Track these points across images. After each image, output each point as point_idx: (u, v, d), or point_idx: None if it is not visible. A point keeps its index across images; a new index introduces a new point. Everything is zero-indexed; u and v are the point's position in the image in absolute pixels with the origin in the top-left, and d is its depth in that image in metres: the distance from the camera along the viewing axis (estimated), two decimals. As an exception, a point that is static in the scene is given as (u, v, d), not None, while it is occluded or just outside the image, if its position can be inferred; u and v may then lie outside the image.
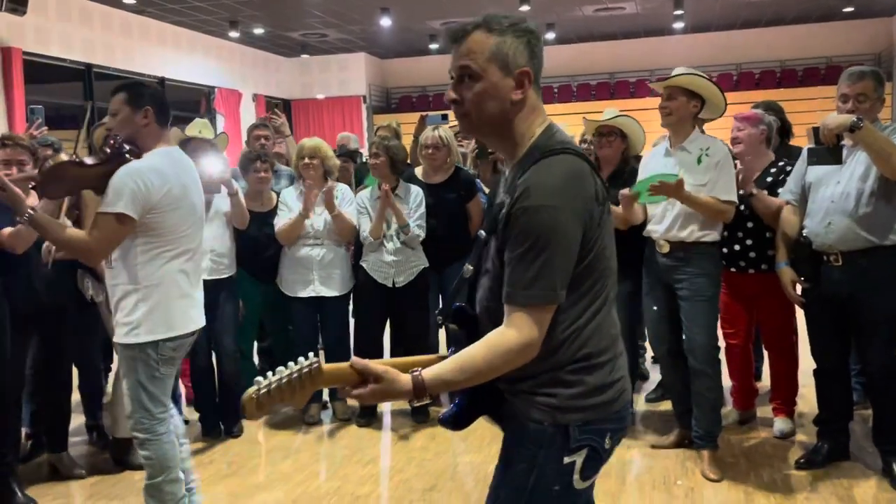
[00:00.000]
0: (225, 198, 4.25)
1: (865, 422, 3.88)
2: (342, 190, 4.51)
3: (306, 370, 1.52)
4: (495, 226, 1.62)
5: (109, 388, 4.39)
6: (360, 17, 12.50)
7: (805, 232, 3.48)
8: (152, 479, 2.82)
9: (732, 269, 3.88)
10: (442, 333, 4.74)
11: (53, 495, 3.65)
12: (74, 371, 4.05)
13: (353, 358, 1.58)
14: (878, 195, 3.24)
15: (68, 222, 3.46)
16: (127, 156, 2.71)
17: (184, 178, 2.82)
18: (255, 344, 5.01)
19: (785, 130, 4.44)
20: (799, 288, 3.59)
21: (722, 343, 3.87)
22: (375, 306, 4.46)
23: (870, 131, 3.16)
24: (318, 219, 4.37)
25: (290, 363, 1.53)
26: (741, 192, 3.71)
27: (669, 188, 3.37)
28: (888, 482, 3.40)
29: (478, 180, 4.78)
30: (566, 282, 1.55)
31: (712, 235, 3.55)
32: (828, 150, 3.32)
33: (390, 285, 4.36)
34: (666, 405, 4.31)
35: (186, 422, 4.48)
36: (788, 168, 3.77)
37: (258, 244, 4.45)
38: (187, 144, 4.25)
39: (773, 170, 3.88)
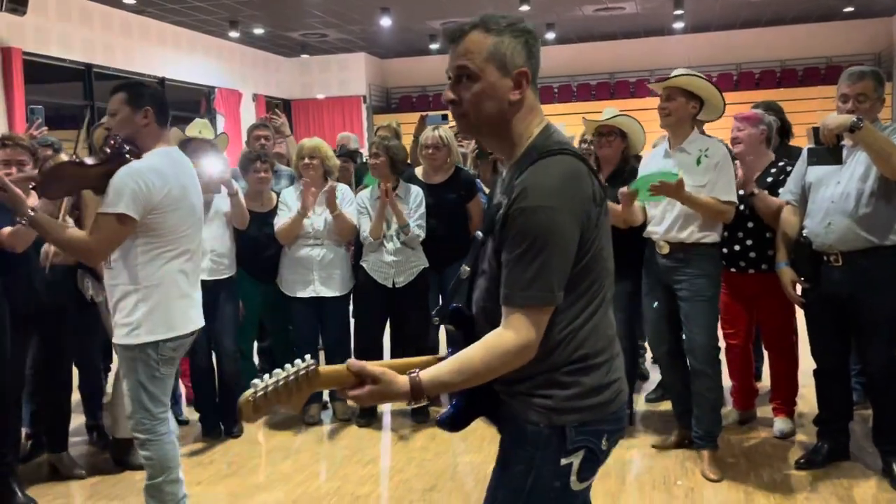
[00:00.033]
0: (225, 198, 4.25)
1: (865, 422, 3.88)
2: (342, 190, 4.51)
3: (303, 373, 1.51)
4: (492, 226, 1.62)
5: (109, 388, 4.39)
6: (360, 17, 12.50)
7: (805, 232, 3.48)
8: (153, 479, 2.82)
9: (732, 270, 3.88)
10: (443, 333, 4.74)
11: (53, 495, 3.65)
12: (74, 371, 4.05)
13: (350, 360, 1.57)
14: (878, 195, 3.24)
15: (70, 221, 3.46)
16: (127, 156, 2.71)
17: (183, 179, 2.82)
18: (255, 344, 5.02)
19: (785, 130, 4.44)
20: (799, 288, 3.59)
21: (722, 343, 3.87)
22: (375, 306, 4.46)
23: (870, 131, 3.16)
24: (318, 219, 4.37)
25: (287, 365, 1.52)
26: (741, 192, 3.72)
27: (670, 188, 3.37)
28: (888, 482, 3.40)
29: (478, 180, 4.78)
30: (563, 283, 1.55)
31: (712, 237, 3.54)
32: (828, 151, 3.32)
33: (390, 285, 4.36)
34: (666, 405, 4.31)
35: (186, 422, 4.51)
36: (788, 168, 3.77)
37: (258, 244, 4.45)
38: (187, 145, 4.25)
39: (773, 170, 3.88)
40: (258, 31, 13.10)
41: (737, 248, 3.86)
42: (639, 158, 4.23)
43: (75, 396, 4.06)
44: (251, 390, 1.47)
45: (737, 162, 3.94)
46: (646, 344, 4.80)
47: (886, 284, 3.28)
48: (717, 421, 3.67)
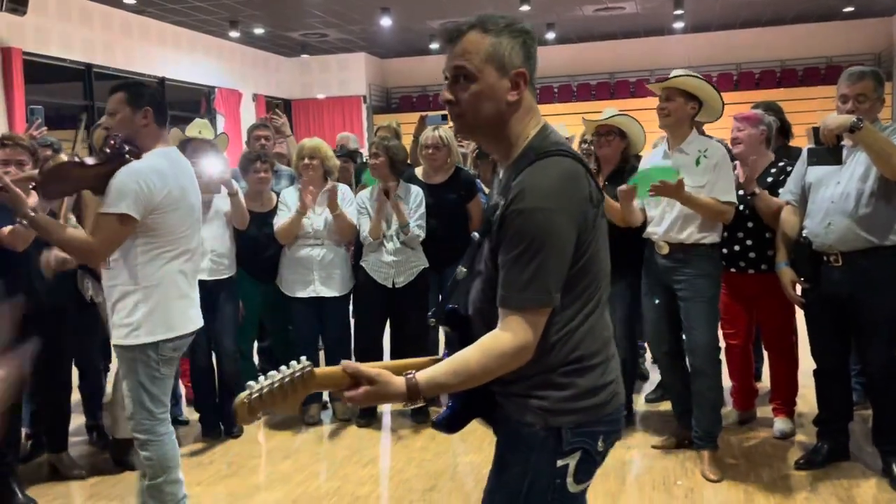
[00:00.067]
0: (225, 198, 4.25)
1: (865, 422, 3.88)
2: (343, 190, 4.51)
3: (298, 374, 1.50)
4: (489, 227, 1.61)
5: (109, 388, 4.39)
6: (361, 17, 12.50)
7: (805, 232, 3.48)
8: (153, 479, 2.82)
9: (732, 270, 3.88)
10: (442, 333, 4.74)
11: (53, 495, 3.65)
12: (74, 371, 4.05)
13: (344, 361, 1.56)
14: (878, 195, 3.24)
15: (73, 219, 3.46)
16: (127, 156, 2.71)
17: (182, 180, 2.82)
18: (255, 344, 5.02)
19: (784, 131, 4.44)
20: (799, 288, 3.59)
21: (722, 343, 3.87)
22: (375, 306, 4.46)
23: (870, 132, 3.16)
24: (318, 219, 4.37)
25: (283, 367, 1.51)
26: (740, 192, 3.72)
27: (670, 189, 3.37)
28: (888, 482, 3.40)
29: (478, 181, 4.78)
30: (560, 285, 1.54)
31: (711, 237, 3.54)
32: (828, 151, 3.32)
33: (390, 286, 4.36)
34: (666, 405, 4.31)
35: (186, 422, 4.51)
36: (788, 168, 3.77)
37: (258, 244, 4.45)
38: (187, 145, 4.25)
39: (773, 170, 3.88)
40: (258, 30, 13.10)
41: (736, 248, 3.86)
42: (639, 158, 4.23)
43: (75, 396, 4.06)
44: (246, 392, 1.47)
45: (736, 162, 3.94)
46: (646, 344, 4.80)
47: (886, 284, 3.28)
48: (717, 421, 3.67)
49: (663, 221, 3.59)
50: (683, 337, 3.71)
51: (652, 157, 3.81)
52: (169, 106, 2.93)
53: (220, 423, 4.38)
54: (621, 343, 4.23)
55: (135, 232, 2.68)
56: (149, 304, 2.73)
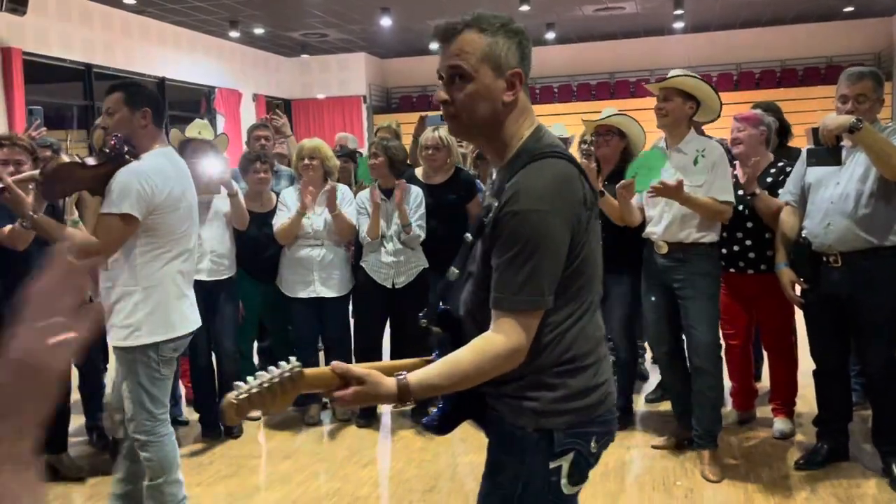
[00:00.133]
0: (225, 199, 4.25)
1: (865, 422, 3.88)
2: (342, 190, 4.51)
3: (287, 375, 1.48)
4: (482, 229, 1.60)
5: (109, 388, 4.39)
6: (361, 17, 12.50)
7: (804, 233, 3.48)
8: (153, 480, 2.82)
9: (732, 270, 3.89)
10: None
11: (53, 496, 3.65)
12: (74, 371, 4.05)
13: (334, 362, 1.55)
14: (878, 196, 3.24)
15: (76, 213, 3.46)
16: (127, 157, 2.71)
17: (182, 180, 2.83)
18: (255, 344, 5.02)
19: (783, 131, 4.44)
20: (798, 289, 3.59)
21: (722, 344, 3.87)
22: (375, 307, 4.46)
23: (869, 132, 3.16)
24: (318, 219, 4.37)
25: (272, 367, 1.50)
26: (739, 192, 3.72)
27: (669, 189, 3.38)
28: (888, 482, 3.40)
29: (478, 181, 4.78)
30: (554, 287, 1.54)
31: (710, 236, 3.55)
32: (827, 151, 3.32)
33: (390, 286, 4.36)
34: (666, 405, 4.30)
35: (186, 422, 4.51)
36: (788, 169, 3.77)
37: (258, 245, 4.45)
38: (187, 145, 4.25)
39: (772, 170, 3.88)
40: (258, 30, 13.10)
41: (736, 248, 3.86)
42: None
43: (75, 396, 4.06)
44: (235, 392, 1.45)
45: (735, 162, 3.95)
46: (646, 344, 4.80)
47: (886, 285, 3.28)
48: (717, 420, 3.67)
49: (662, 221, 3.59)
50: (683, 337, 3.72)
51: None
52: (169, 106, 2.95)
53: (220, 424, 4.38)
54: (621, 343, 4.24)
55: (136, 232, 2.68)
56: (149, 304, 2.73)
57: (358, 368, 1.53)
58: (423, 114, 5.47)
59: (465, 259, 1.69)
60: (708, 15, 13.56)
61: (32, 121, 4.34)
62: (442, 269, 5.01)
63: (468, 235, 1.68)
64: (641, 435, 4.14)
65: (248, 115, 14.01)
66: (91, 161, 2.73)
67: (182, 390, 4.70)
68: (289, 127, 5.74)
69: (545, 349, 1.58)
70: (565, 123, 6.14)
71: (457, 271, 1.70)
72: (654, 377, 4.86)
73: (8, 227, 3.30)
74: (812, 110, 11.69)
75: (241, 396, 1.44)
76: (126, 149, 2.72)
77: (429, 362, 1.61)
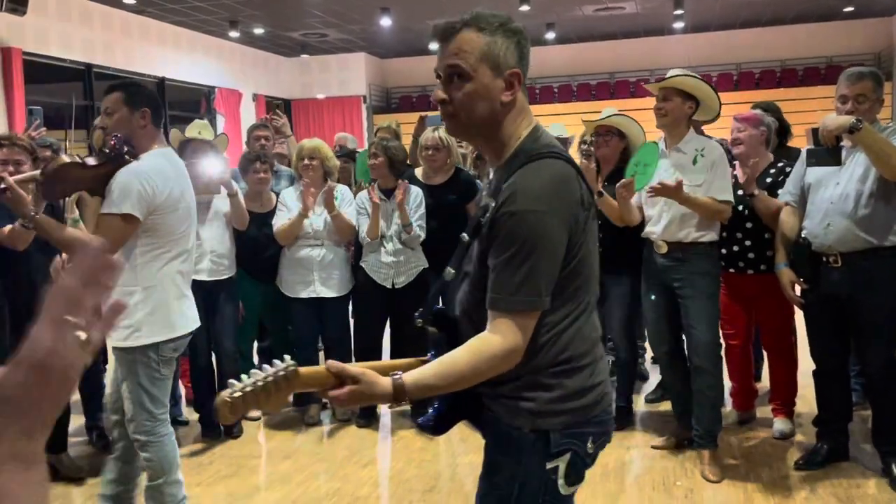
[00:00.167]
0: (225, 199, 4.25)
1: (865, 422, 3.88)
2: (342, 190, 4.51)
3: (282, 374, 1.47)
4: (479, 229, 1.60)
5: (109, 388, 4.39)
6: (360, 17, 12.50)
7: (804, 233, 3.48)
8: (153, 480, 2.82)
9: (731, 270, 3.89)
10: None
11: (53, 496, 3.65)
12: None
13: (329, 361, 1.54)
14: (878, 196, 3.24)
15: (77, 212, 3.46)
16: (126, 157, 2.72)
17: (181, 180, 2.84)
18: (255, 344, 5.02)
19: (783, 131, 4.43)
20: (798, 289, 3.59)
21: (722, 344, 3.87)
22: (375, 307, 4.46)
23: (869, 132, 3.16)
24: (318, 219, 4.37)
25: (266, 366, 1.49)
26: (739, 192, 3.72)
27: (669, 189, 3.38)
28: (887, 482, 3.40)
29: (478, 181, 4.78)
30: (551, 287, 1.54)
31: (710, 236, 3.55)
32: (827, 152, 3.32)
33: (390, 286, 4.36)
34: (666, 405, 4.31)
35: (186, 422, 4.51)
36: (787, 169, 3.77)
37: (258, 245, 4.45)
38: (187, 145, 4.25)
39: (772, 171, 3.88)
40: (258, 30, 13.10)
41: (735, 248, 3.86)
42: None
43: (75, 396, 4.06)
44: (228, 390, 1.44)
45: (735, 163, 3.95)
46: (646, 344, 4.80)
47: (885, 285, 3.28)
48: (717, 420, 3.68)
49: (661, 220, 3.60)
50: (684, 337, 3.72)
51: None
52: (169, 106, 2.96)
53: (219, 424, 4.38)
54: (621, 343, 4.24)
55: (136, 232, 2.69)
56: (149, 304, 2.73)
57: (353, 367, 1.53)
58: (423, 114, 5.47)
59: (462, 259, 1.69)
60: (708, 15, 13.56)
61: (32, 121, 4.34)
62: (442, 269, 5.04)
63: (465, 235, 1.67)
64: (641, 435, 4.14)
65: (248, 115, 14.01)
66: (91, 161, 2.73)
67: (182, 390, 4.71)
68: (289, 127, 5.74)
69: (542, 349, 1.58)
70: (565, 123, 6.14)
71: (453, 271, 1.70)
72: (654, 377, 4.86)
73: (8, 227, 3.30)
74: (812, 110, 11.69)
75: (235, 394, 1.43)
76: (126, 149, 2.72)
77: (424, 362, 1.60)
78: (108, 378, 4.61)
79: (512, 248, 1.51)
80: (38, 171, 3.00)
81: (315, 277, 4.39)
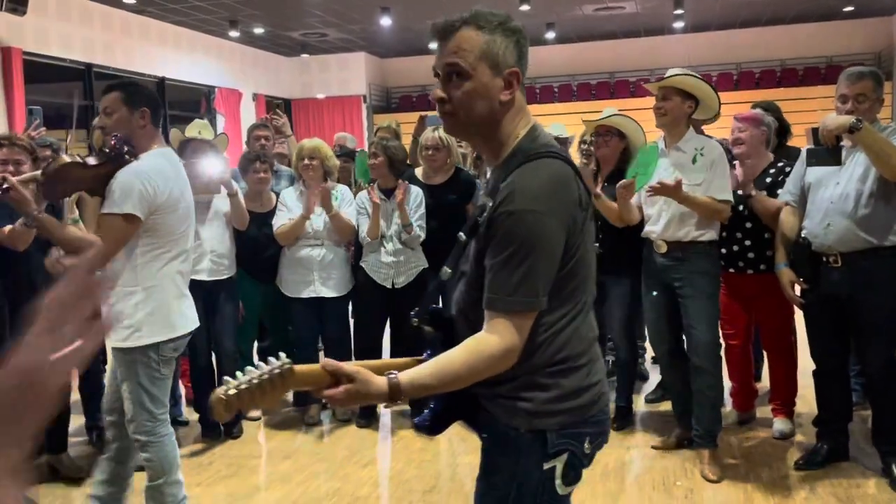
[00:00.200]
0: (225, 198, 4.25)
1: (865, 422, 3.88)
2: (342, 190, 4.51)
3: (277, 371, 1.46)
4: (476, 228, 1.59)
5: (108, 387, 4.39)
6: (361, 17, 12.49)
7: (804, 233, 3.48)
8: (153, 480, 2.82)
9: (731, 270, 3.89)
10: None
11: (53, 496, 3.65)
12: (74, 371, 4.04)
13: (324, 359, 1.53)
14: (878, 196, 3.24)
15: (77, 212, 3.46)
16: (127, 157, 2.71)
17: (180, 180, 2.83)
18: (255, 344, 5.02)
19: (782, 130, 4.43)
20: (798, 289, 3.59)
21: (721, 343, 3.87)
22: (375, 307, 4.46)
23: (869, 132, 3.16)
24: (318, 219, 4.37)
25: (261, 363, 1.48)
26: (739, 192, 3.72)
27: (668, 188, 3.38)
28: (887, 482, 3.40)
29: (478, 181, 4.78)
30: (548, 288, 1.53)
31: (709, 235, 3.55)
32: (827, 151, 3.32)
33: (390, 286, 4.35)
34: (666, 405, 4.31)
35: (186, 422, 4.51)
36: (787, 169, 3.77)
37: (258, 244, 4.45)
38: (187, 145, 4.25)
39: (771, 170, 3.88)
40: (258, 30, 13.10)
41: (735, 248, 3.86)
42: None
43: (75, 396, 4.06)
44: (223, 387, 1.43)
45: (735, 162, 3.94)
46: (646, 344, 4.80)
47: (885, 285, 3.28)
48: (716, 419, 3.68)
49: (661, 220, 3.60)
50: (684, 336, 3.72)
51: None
52: (169, 106, 2.95)
53: (219, 424, 4.37)
54: (621, 343, 4.24)
55: (137, 232, 2.69)
56: (150, 304, 2.73)
57: (348, 366, 1.51)
58: (423, 114, 5.46)
59: (459, 258, 1.68)
60: (708, 15, 13.56)
61: (32, 121, 4.34)
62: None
63: (462, 234, 1.66)
64: (641, 435, 4.14)
65: (248, 114, 14.01)
66: (92, 161, 2.73)
67: (182, 390, 4.70)
68: (289, 126, 5.74)
69: (538, 349, 1.57)
70: (565, 123, 6.14)
71: (449, 271, 1.69)
72: (654, 377, 4.86)
73: (8, 227, 3.30)
74: (812, 110, 11.69)
75: (230, 392, 1.42)
76: (126, 149, 2.72)
77: (420, 362, 1.59)
78: (107, 378, 4.63)
79: (510, 248, 1.50)
80: (38, 172, 3.00)
81: (315, 277, 4.39)
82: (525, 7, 11.33)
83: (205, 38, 13.05)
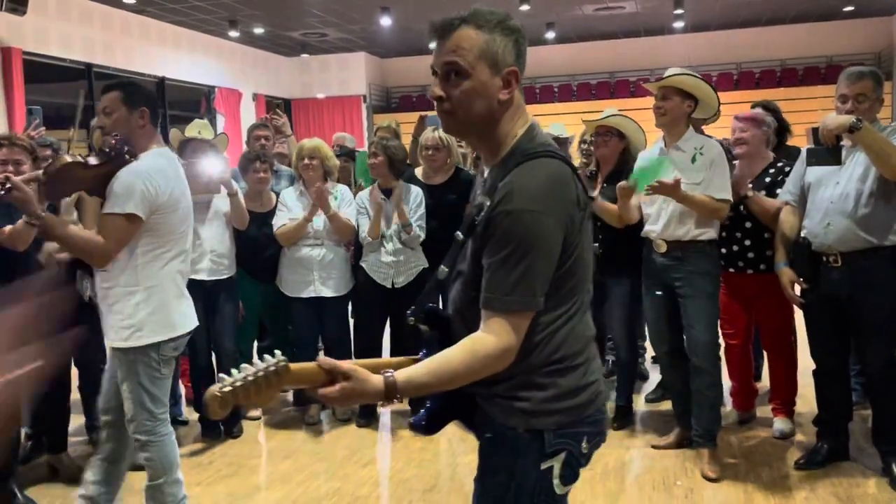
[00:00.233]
0: (225, 198, 4.25)
1: (865, 422, 3.88)
2: (341, 190, 4.51)
3: (272, 369, 1.45)
4: (473, 228, 1.58)
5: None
6: (360, 17, 12.50)
7: (804, 232, 3.48)
8: (154, 480, 2.82)
9: (731, 270, 3.89)
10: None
11: (53, 496, 3.65)
12: (74, 371, 4.05)
13: (321, 356, 1.52)
14: (878, 196, 3.24)
15: (74, 213, 3.46)
16: (127, 157, 2.71)
17: (179, 180, 2.84)
18: (255, 344, 5.02)
19: (781, 130, 4.43)
20: (798, 288, 3.59)
21: (721, 343, 3.87)
22: (375, 306, 4.46)
23: (869, 132, 3.16)
24: (318, 219, 4.36)
25: (257, 361, 1.47)
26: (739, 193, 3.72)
27: (667, 187, 3.38)
28: (888, 482, 3.40)
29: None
30: (546, 288, 1.53)
31: (709, 233, 3.55)
32: (827, 151, 3.32)
33: (390, 286, 4.35)
34: (666, 405, 4.31)
35: (186, 422, 4.51)
36: (787, 168, 3.77)
37: (258, 244, 4.45)
38: (187, 145, 4.25)
39: (771, 170, 3.88)
40: (258, 30, 13.10)
41: (735, 248, 3.86)
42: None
43: (75, 396, 4.06)
44: (218, 385, 1.41)
45: (735, 162, 3.94)
46: (646, 344, 4.80)
47: (885, 285, 3.28)
48: (716, 419, 3.68)
49: (660, 219, 3.60)
50: (684, 335, 3.72)
51: (648, 154, 3.81)
52: (169, 106, 2.95)
53: (219, 424, 4.38)
54: (622, 343, 4.24)
55: (138, 232, 2.69)
56: (151, 304, 2.73)
57: (344, 364, 1.50)
58: (423, 113, 5.46)
59: (456, 257, 1.67)
60: (708, 14, 13.56)
61: (31, 120, 4.33)
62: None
63: (459, 234, 1.66)
64: (641, 435, 4.14)
65: (248, 114, 14.01)
66: (93, 161, 2.73)
67: (182, 390, 4.71)
68: (289, 126, 5.74)
69: (535, 349, 1.57)
70: (565, 123, 6.14)
71: (446, 270, 1.68)
72: (654, 377, 4.86)
73: (9, 228, 3.30)
74: (812, 110, 11.70)
75: (224, 389, 1.41)
76: (126, 149, 2.72)
77: (416, 361, 1.58)
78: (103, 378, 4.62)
79: (508, 247, 1.50)
80: (40, 171, 3.00)
81: (315, 277, 4.39)
82: (525, 7, 11.33)
83: (205, 38, 13.06)
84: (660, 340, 3.83)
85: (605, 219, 3.85)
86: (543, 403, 1.58)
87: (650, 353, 4.87)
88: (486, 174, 1.68)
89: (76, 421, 4.23)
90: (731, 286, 3.93)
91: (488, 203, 1.54)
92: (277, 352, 1.49)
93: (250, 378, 1.43)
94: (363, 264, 4.41)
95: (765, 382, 4.42)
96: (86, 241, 2.66)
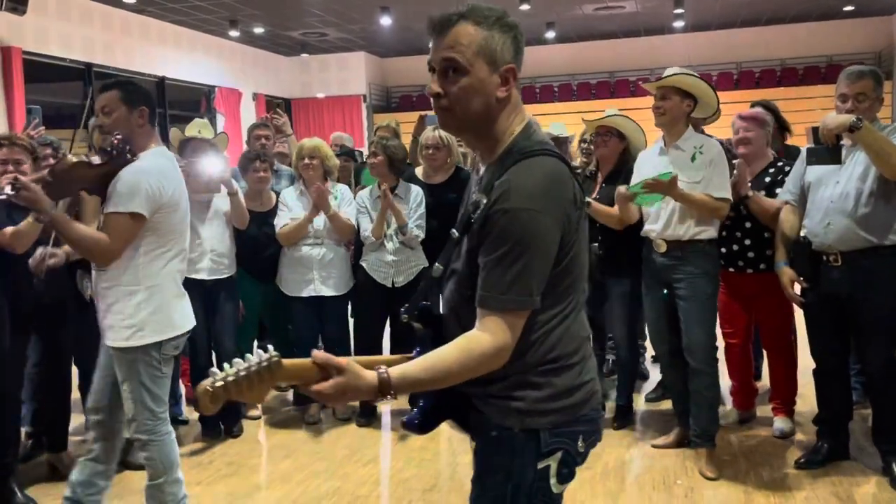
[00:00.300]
0: (225, 198, 4.25)
1: (865, 421, 3.88)
2: (341, 190, 4.51)
3: (265, 364, 1.44)
4: (469, 226, 1.57)
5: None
6: (360, 16, 12.50)
7: (804, 232, 3.48)
8: (154, 479, 2.82)
9: (731, 269, 3.89)
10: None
11: (53, 495, 3.65)
12: (74, 370, 4.05)
13: (315, 351, 1.49)
14: (878, 195, 3.24)
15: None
16: (129, 156, 2.71)
17: (179, 180, 2.84)
18: (255, 343, 5.02)
19: (780, 129, 4.43)
20: (798, 288, 3.59)
21: (721, 343, 3.87)
22: (375, 306, 4.46)
23: (869, 131, 3.16)
24: (318, 218, 4.36)
25: (249, 356, 1.45)
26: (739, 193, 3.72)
27: (663, 185, 3.38)
28: (888, 482, 3.40)
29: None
30: (542, 287, 1.52)
31: (709, 232, 3.55)
32: (827, 150, 3.32)
33: (390, 285, 4.35)
34: (666, 405, 4.31)
35: (186, 422, 4.51)
36: (787, 168, 3.77)
37: (258, 244, 4.45)
38: (187, 145, 4.26)
39: (771, 170, 3.88)
40: (258, 30, 13.10)
41: (735, 247, 3.86)
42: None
43: (75, 396, 4.06)
44: (209, 379, 1.40)
45: (735, 162, 3.94)
46: (646, 344, 4.80)
47: (885, 284, 3.28)
48: (714, 420, 3.67)
49: (660, 218, 3.60)
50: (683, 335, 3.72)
51: (647, 154, 3.82)
52: (169, 105, 2.95)
53: (220, 423, 4.38)
54: (622, 343, 4.24)
55: (140, 232, 2.69)
56: (152, 304, 2.73)
57: (338, 358, 1.48)
58: (423, 113, 5.45)
59: (450, 256, 1.67)
60: (708, 14, 13.56)
61: (31, 120, 4.33)
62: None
63: (454, 232, 1.65)
64: (641, 434, 4.14)
65: (248, 114, 14.02)
66: (96, 160, 2.72)
67: (182, 389, 4.71)
68: (289, 126, 5.74)
69: (531, 348, 1.56)
70: (565, 122, 6.14)
71: (441, 267, 1.68)
72: (654, 376, 4.86)
73: (10, 229, 3.30)
74: (812, 109, 11.71)
75: (216, 384, 1.40)
76: (128, 148, 2.72)
77: (410, 359, 1.57)
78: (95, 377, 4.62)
79: (504, 246, 1.49)
80: (45, 171, 2.99)
81: (315, 276, 4.39)
82: (525, 6, 11.32)
83: (205, 38, 13.06)
84: (660, 340, 3.83)
85: (604, 223, 3.86)
86: (539, 403, 1.58)
87: (650, 352, 4.87)
88: (482, 171, 1.67)
89: (76, 420, 4.23)
90: (731, 285, 3.93)
91: (485, 201, 1.53)
92: (270, 347, 1.47)
93: (242, 373, 1.42)
94: (363, 263, 4.41)
95: (765, 382, 4.42)
96: (94, 239, 2.66)
